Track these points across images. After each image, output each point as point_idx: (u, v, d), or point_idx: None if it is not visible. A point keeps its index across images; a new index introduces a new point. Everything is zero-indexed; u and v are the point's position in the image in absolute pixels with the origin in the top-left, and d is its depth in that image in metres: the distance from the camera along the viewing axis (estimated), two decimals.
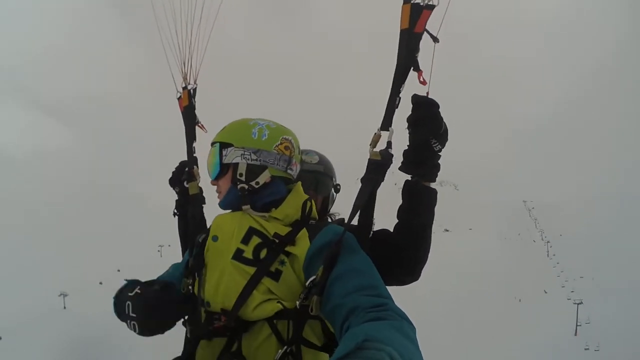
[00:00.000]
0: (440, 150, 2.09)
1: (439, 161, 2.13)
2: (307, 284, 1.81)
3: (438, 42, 1.98)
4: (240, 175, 2.07)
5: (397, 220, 2.20)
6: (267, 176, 2.08)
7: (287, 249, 1.94)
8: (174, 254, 2.61)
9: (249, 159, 2.07)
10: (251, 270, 1.92)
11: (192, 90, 2.79)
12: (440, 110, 2.07)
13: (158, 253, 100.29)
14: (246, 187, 2.07)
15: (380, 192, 2.10)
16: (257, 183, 2.07)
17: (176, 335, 2.31)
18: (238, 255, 1.96)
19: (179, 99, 2.78)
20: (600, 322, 70.83)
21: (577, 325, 71.69)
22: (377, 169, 2.01)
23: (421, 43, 2.01)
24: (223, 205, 2.17)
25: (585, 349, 64.07)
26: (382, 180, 2.01)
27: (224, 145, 2.11)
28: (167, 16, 2.65)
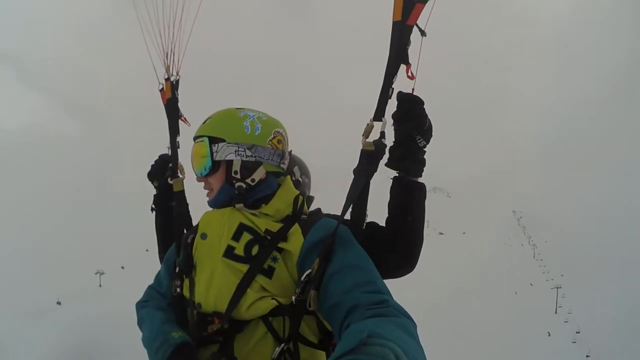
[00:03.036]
0: (425, 146, 1.91)
1: (425, 157, 1.96)
2: (302, 278, 1.61)
3: (425, 35, 1.83)
4: (236, 173, 1.83)
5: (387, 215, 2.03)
6: (262, 173, 1.87)
7: (280, 245, 1.74)
8: None
9: (243, 156, 1.83)
10: (244, 267, 1.71)
11: (174, 82, 2.43)
12: (424, 107, 1.90)
13: None
14: (243, 185, 1.84)
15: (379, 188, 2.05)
16: (253, 180, 1.85)
17: None
18: (229, 253, 1.75)
19: (161, 90, 2.44)
20: (576, 305, 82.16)
21: (557, 307, 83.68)
22: (370, 159, 1.82)
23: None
24: (215, 203, 1.91)
25: (565, 322, 76.73)
26: (375, 171, 1.84)
27: (213, 140, 1.83)
28: (147, 6, 2.31)
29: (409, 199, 1.93)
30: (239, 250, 1.74)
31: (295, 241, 1.74)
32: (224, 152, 1.82)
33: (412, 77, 1.85)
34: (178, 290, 1.90)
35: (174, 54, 2.40)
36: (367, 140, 1.85)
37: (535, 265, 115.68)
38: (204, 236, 1.83)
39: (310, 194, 2.63)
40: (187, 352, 1.69)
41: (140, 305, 2.03)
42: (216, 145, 1.82)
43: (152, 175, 2.43)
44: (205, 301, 1.75)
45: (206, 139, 1.84)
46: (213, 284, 1.74)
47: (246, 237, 1.76)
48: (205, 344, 1.73)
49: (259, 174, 1.85)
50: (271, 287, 1.70)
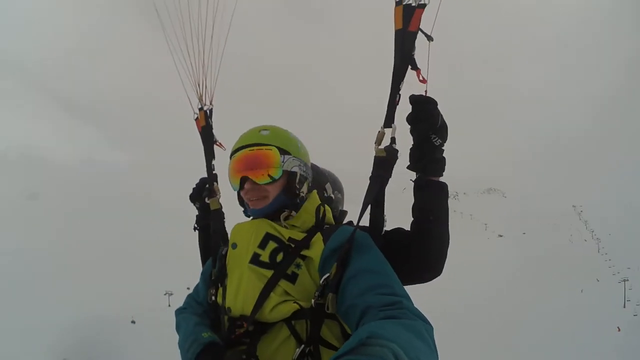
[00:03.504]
0: (441, 145, 1.91)
1: (444, 156, 1.96)
2: (321, 282, 1.66)
3: (432, 40, 1.85)
4: (297, 185, 1.95)
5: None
6: (306, 188, 2.01)
7: (303, 252, 1.79)
8: None
9: (302, 170, 1.98)
10: (268, 273, 1.77)
11: (208, 111, 2.56)
12: (437, 106, 1.90)
13: None
14: (299, 197, 1.96)
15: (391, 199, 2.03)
16: (302, 193, 1.98)
17: None
18: (255, 260, 1.81)
19: (196, 119, 2.57)
20: None
21: (625, 300, 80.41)
22: (383, 165, 1.85)
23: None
24: (266, 211, 1.93)
25: (634, 315, 72.57)
26: (389, 177, 1.86)
27: (281, 151, 1.92)
28: (178, 40, 2.44)
29: (429, 199, 1.93)
30: (264, 257, 1.80)
31: (317, 248, 1.78)
32: (290, 164, 1.92)
33: (424, 81, 1.87)
34: (213, 298, 1.97)
35: (205, 85, 2.51)
36: (379, 147, 1.88)
37: (601, 260, 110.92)
38: (234, 246, 1.90)
39: (344, 209, 2.64)
40: (214, 350, 1.76)
41: (179, 312, 2.13)
42: (283, 156, 1.91)
43: (193, 197, 2.53)
44: (234, 305, 1.80)
45: (276, 148, 1.91)
46: (241, 290, 1.80)
47: (271, 245, 1.81)
48: (233, 346, 1.77)
49: (305, 189, 1.98)
50: (294, 291, 1.74)
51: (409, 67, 1.86)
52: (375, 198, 1.86)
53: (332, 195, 2.55)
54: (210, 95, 2.56)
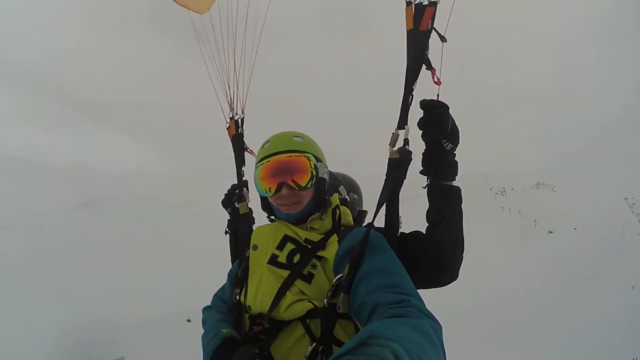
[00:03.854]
0: (452, 149, 1.89)
1: (455, 160, 1.92)
2: (334, 282, 1.68)
3: (446, 41, 1.83)
4: (326, 190, 2.05)
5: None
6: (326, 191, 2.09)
7: (319, 253, 1.84)
8: None
9: (328, 177, 2.10)
10: (285, 273, 1.83)
11: (239, 120, 2.70)
12: (448, 110, 1.87)
13: None
14: (327, 202, 2.04)
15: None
16: (329, 198, 2.07)
17: None
18: (273, 260, 1.88)
19: (228, 128, 2.71)
20: None
21: None
22: (397, 166, 1.87)
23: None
24: (300, 215, 1.99)
25: None
26: (404, 178, 1.88)
27: (315, 159, 2.02)
28: (212, 53, 2.62)
29: (441, 203, 1.90)
30: (282, 258, 1.86)
31: (332, 249, 1.82)
32: (322, 170, 2.03)
33: (438, 82, 1.86)
34: (237, 297, 2.03)
35: (237, 95, 2.66)
36: (393, 149, 1.89)
37: None
38: (255, 247, 1.96)
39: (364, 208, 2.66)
40: (231, 345, 1.80)
41: (206, 309, 2.21)
42: (318, 163, 2.00)
43: (225, 203, 2.61)
44: (254, 304, 1.86)
45: (311, 156, 1.99)
46: (260, 289, 1.86)
47: (289, 247, 1.88)
48: (251, 342, 1.80)
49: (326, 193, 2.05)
50: (310, 291, 1.77)
51: (423, 67, 1.86)
52: (389, 199, 1.86)
53: (347, 197, 2.58)
54: (242, 105, 2.69)
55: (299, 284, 1.79)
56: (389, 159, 1.89)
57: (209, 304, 2.27)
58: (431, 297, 1.85)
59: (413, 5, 1.86)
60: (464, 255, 1.93)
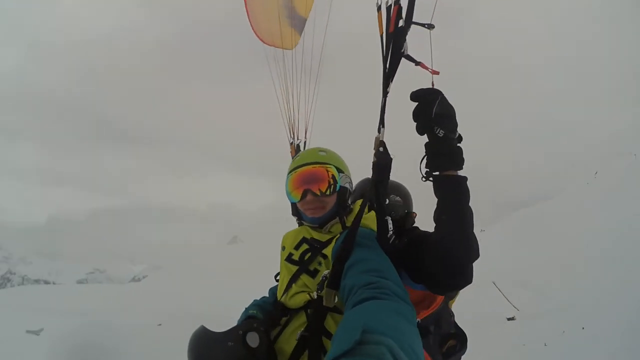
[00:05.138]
0: (446, 136, 1.67)
1: (449, 146, 1.70)
2: (322, 277, 1.85)
3: (433, 28, 1.72)
4: (347, 198, 2.20)
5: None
6: (350, 200, 2.24)
7: (324, 251, 2.01)
8: None
9: (350, 186, 2.24)
10: (294, 268, 2.04)
11: (297, 145, 3.14)
12: (440, 95, 1.68)
13: None
14: (348, 208, 2.21)
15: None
16: (349, 205, 2.22)
17: None
18: (289, 258, 2.11)
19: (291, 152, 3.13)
20: None
21: None
22: (376, 170, 1.85)
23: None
24: (323, 220, 2.15)
25: None
26: (384, 180, 1.83)
27: (338, 170, 2.19)
28: (279, 91, 3.22)
29: (441, 196, 1.70)
30: (296, 256, 2.08)
31: (332, 248, 1.97)
32: (344, 180, 2.19)
33: (435, 72, 1.71)
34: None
35: (298, 125, 3.17)
36: (374, 152, 1.87)
37: None
38: (283, 248, 2.17)
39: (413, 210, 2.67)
40: (251, 322, 1.99)
41: (260, 298, 2.45)
42: (340, 174, 2.18)
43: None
44: (279, 295, 2.09)
45: (333, 167, 2.17)
46: (281, 282, 2.11)
47: (304, 247, 2.09)
48: (274, 326, 2.03)
49: (349, 201, 2.22)
50: (313, 285, 1.94)
51: (415, 64, 1.77)
52: (377, 202, 1.85)
53: (388, 200, 2.59)
54: (305, 129, 3.21)
55: (304, 278, 1.99)
56: (372, 163, 1.86)
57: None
58: None
59: (383, 10, 1.84)
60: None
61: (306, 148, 3.08)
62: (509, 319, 8.76)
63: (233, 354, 1.78)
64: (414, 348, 1.14)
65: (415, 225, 2.50)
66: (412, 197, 2.82)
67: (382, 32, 1.83)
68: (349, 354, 1.04)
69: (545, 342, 6.41)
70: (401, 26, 1.77)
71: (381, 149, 1.82)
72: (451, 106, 1.69)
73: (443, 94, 1.68)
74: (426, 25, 1.73)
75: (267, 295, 2.44)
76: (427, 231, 1.94)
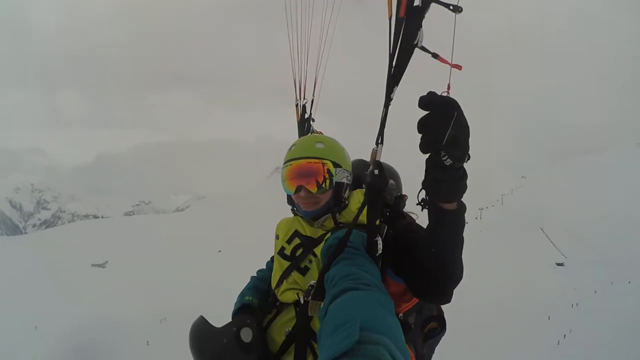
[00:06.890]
0: (453, 166, 1.36)
1: (452, 176, 1.40)
2: (308, 286, 1.75)
3: (460, 11, 1.25)
4: (343, 193, 2.15)
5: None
6: (348, 193, 2.18)
7: (315, 249, 2.01)
8: None
9: (347, 180, 2.17)
10: (286, 264, 2.08)
11: (303, 106, 3.10)
12: (456, 111, 1.29)
13: None
14: (343, 203, 2.15)
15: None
16: (346, 200, 2.17)
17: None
18: (281, 252, 2.14)
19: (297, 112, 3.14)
20: None
21: None
22: (370, 192, 1.69)
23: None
24: (316, 214, 2.12)
25: None
26: (376, 202, 1.68)
27: (335, 164, 2.13)
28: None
29: (432, 227, 1.55)
30: (287, 251, 2.11)
31: (322, 246, 1.92)
32: (341, 176, 2.13)
33: (458, 67, 1.32)
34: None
35: (305, 85, 3.07)
36: (370, 169, 1.66)
37: None
38: (277, 237, 2.21)
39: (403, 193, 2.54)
40: (247, 310, 2.19)
41: (257, 272, 2.54)
42: (336, 169, 2.11)
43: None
44: (273, 285, 2.14)
45: (330, 162, 2.10)
46: (274, 273, 2.14)
47: (296, 241, 2.10)
48: (266, 315, 2.13)
49: (347, 194, 2.17)
50: (303, 283, 1.98)
51: (432, 55, 1.37)
52: (368, 221, 1.72)
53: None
54: (314, 81, 3.08)
55: (295, 275, 2.03)
56: (365, 183, 1.71)
57: (264, 267, 2.57)
58: None
59: None
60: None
61: (313, 109, 3.09)
62: (557, 264, 8.93)
63: (228, 350, 1.92)
64: (404, 346, 1.14)
65: (406, 210, 2.29)
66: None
67: (391, 15, 1.35)
68: (349, 354, 1.03)
69: (595, 289, 6.60)
70: (417, 5, 1.30)
71: (376, 171, 1.63)
72: (467, 126, 1.33)
73: (461, 109, 1.30)
74: (451, 7, 1.26)
75: (265, 268, 2.52)
76: (417, 234, 1.84)
